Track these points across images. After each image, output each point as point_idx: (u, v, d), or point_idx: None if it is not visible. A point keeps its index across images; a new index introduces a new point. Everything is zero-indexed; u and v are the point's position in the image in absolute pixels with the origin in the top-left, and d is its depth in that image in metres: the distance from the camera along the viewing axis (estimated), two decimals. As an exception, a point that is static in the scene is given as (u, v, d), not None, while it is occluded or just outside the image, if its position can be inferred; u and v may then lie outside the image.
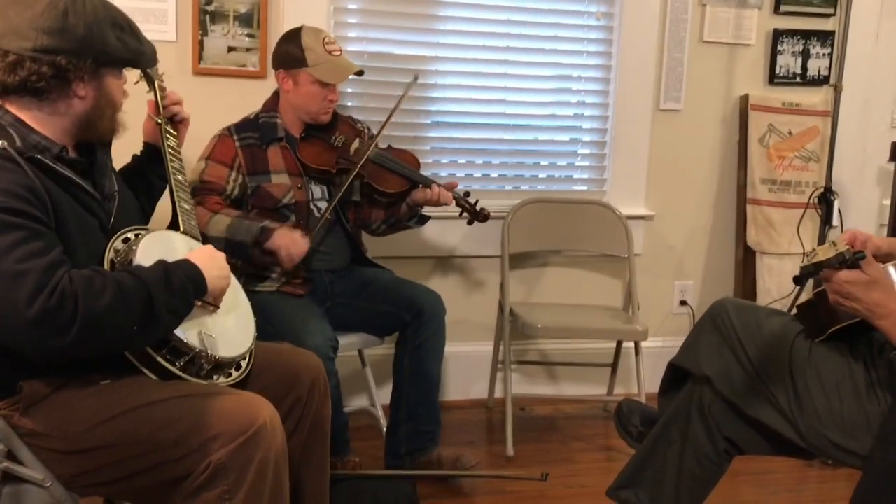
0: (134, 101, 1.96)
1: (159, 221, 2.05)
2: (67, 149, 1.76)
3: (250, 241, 2.60)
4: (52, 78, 1.69)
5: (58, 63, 1.68)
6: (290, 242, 2.61)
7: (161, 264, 1.71)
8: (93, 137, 1.83)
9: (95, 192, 1.81)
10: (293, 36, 2.75)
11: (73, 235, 1.67)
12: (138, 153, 2.21)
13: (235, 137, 2.75)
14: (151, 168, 2.17)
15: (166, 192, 2.13)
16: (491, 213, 2.95)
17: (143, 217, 2.07)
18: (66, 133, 1.77)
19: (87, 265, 1.65)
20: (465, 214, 2.91)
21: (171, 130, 2.13)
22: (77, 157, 1.80)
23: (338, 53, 2.76)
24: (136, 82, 2.08)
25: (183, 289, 1.71)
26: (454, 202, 2.88)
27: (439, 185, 2.84)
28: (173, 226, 2.00)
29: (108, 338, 1.60)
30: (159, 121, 2.10)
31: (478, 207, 2.90)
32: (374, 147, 2.82)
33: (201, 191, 2.69)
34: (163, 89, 2.14)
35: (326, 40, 2.74)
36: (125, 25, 1.80)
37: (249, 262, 2.69)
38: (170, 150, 2.09)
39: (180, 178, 2.07)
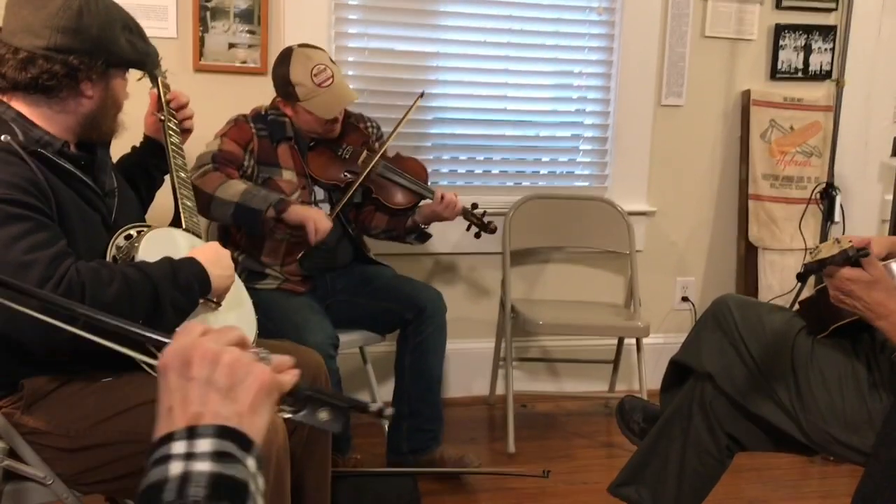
0: (134, 101, 1.96)
1: (160, 218, 2.05)
2: (69, 144, 1.76)
3: (265, 209, 2.52)
4: (63, 77, 1.69)
5: (70, 62, 1.69)
6: (318, 215, 2.56)
7: (167, 261, 1.72)
8: (95, 136, 1.83)
9: (96, 187, 1.81)
10: (282, 64, 2.67)
11: (75, 229, 1.68)
12: (138, 145, 2.21)
13: (252, 125, 2.71)
14: (152, 161, 2.17)
15: (166, 188, 2.13)
16: (492, 212, 2.94)
17: (142, 213, 2.07)
18: (70, 131, 1.78)
19: (88, 259, 1.65)
20: (472, 228, 2.90)
21: (175, 128, 2.12)
22: (78, 152, 1.80)
23: (329, 83, 2.64)
24: (139, 79, 2.08)
25: (188, 285, 1.72)
26: (462, 216, 2.86)
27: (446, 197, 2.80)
28: (175, 223, 2.00)
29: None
30: (162, 118, 2.10)
31: (485, 220, 2.88)
32: (380, 158, 2.80)
33: (219, 159, 2.62)
34: (166, 86, 2.14)
35: (315, 71, 2.62)
36: (134, 27, 1.81)
37: (255, 232, 2.65)
38: (173, 148, 2.08)
39: (183, 175, 2.07)
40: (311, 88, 2.63)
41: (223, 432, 0.79)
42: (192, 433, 0.79)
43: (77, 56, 1.69)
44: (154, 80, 2.11)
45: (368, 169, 2.75)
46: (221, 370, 0.83)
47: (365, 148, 2.83)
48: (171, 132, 2.10)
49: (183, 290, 1.70)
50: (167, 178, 2.14)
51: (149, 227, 1.86)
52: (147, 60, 1.87)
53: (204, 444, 0.78)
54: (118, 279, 1.60)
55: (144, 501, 0.75)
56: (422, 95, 2.91)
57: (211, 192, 2.54)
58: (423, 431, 2.80)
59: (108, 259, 1.74)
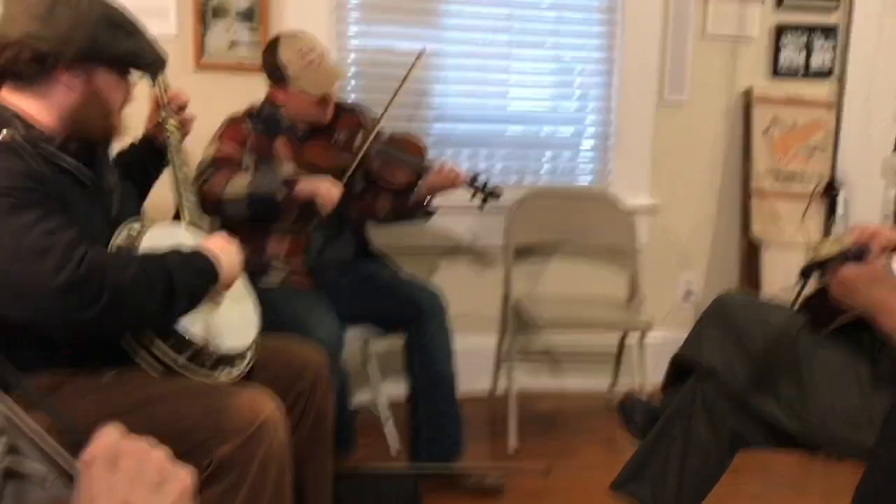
0: (135, 101, 1.95)
1: (162, 216, 2.05)
2: (69, 140, 1.76)
3: (275, 190, 2.54)
4: (30, 62, 1.69)
5: (38, 48, 1.68)
6: (326, 185, 2.57)
7: (177, 251, 1.74)
8: (84, 136, 1.81)
9: (98, 182, 1.81)
10: (271, 50, 2.71)
11: (78, 224, 1.67)
12: (136, 142, 2.20)
13: (246, 122, 2.73)
14: (150, 159, 2.17)
15: (166, 186, 2.12)
16: (495, 208, 2.93)
17: (141, 208, 2.08)
18: (60, 124, 1.76)
19: None
20: (476, 197, 2.88)
21: (175, 125, 2.11)
22: (79, 147, 1.79)
23: (318, 61, 2.69)
24: (140, 76, 2.08)
25: (201, 272, 1.74)
26: (464, 185, 2.84)
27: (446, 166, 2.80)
28: (177, 218, 2.01)
29: (132, 313, 1.63)
30: (162, 116, 2.10)
31: (488, 188, 2.87)
32: (374, 139, 2.79)
33: (217, 164, 2.63)
34: (166, 84, 2.13)
35: (303, 50, 2.68)
36: (124, 25, 1.79)
37: (274, 216, 2.63)
38: (173, 146, 2.08)
39: (185, 171, 2.07)
40: (301, 67, 2.67)
41: None
42: None
43: (46, 43, 1.68)
44: (152, 77, 2.09)
45: (366, 146, 2.75)
46: (151, 466, 0.85)
47: (360, 130, 2.84)
48: (170, 130, 2.09)
49: (195, 274, 1.73)
50: (165, 172, 2.14)
51: (152, 221, 1.87)
52: (137, 61, 1.85)
53: None
54: (135, 263, 1.63)
55: None
56: (422, 53, 2.89)
57: (219, 195, 2.55)
58: (444, 436, 2.77)
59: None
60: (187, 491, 0.87)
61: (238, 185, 2.56)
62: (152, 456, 0.86)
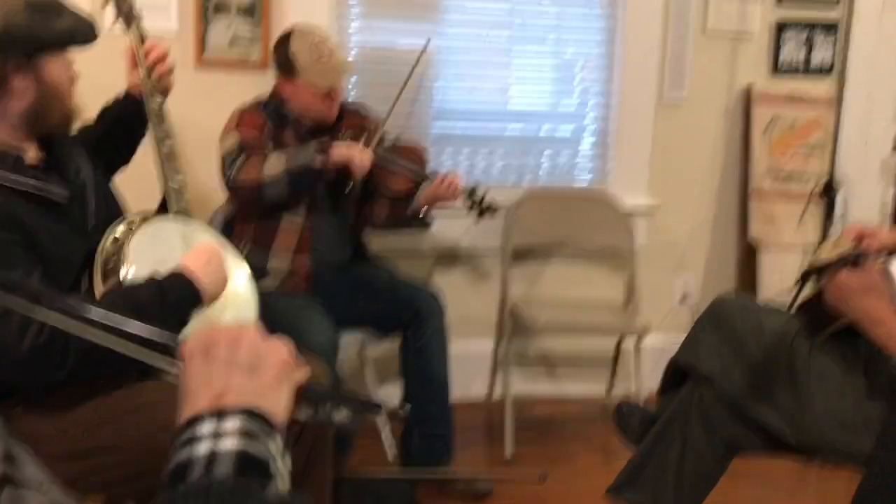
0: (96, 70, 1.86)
1: (144, 199, 1.99)
2: (22, 156, 1.70)
3: (311, 159, 2.54)
4: None
5: None
6: (358, 150, 2.60)
7: (155, 282, 1.67)
8: (46, 131, 1.75)
9: (61, 190, 1.73)
10: (283, 42, 2.72)
11: (44, 250, 1.64)
12: (119, 97, 2.10)
13: (259, 110, 2.72)
14: (134, 114, 2.06)
15: (150, 173, 2.01)
16: (495, 214, 2.91)
17: (119, 201, 1.98)
18: (17, 134, 1.71)
19: (66, 276, 1.64)
20: (472, 210, 2.86)
21: (157, 86, 2.00)
22: (36, 158, 1.74)
23: (328, 54, 2.69)
24: (114, 23, 1.98)
25: (178, 305, 1.68)
26: (462, 197, 2.82)
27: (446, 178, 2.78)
28: (163, 207, 1.92)
29: (104, 366, 1.59)
30: (141, 77, 1.99)
31: (485, 203, 2.84)
32: (378, 141, 2.77)
33: (244, 149, 2.60)
34: (142, 37, 2.02)
35: (315, 42, 2.69)
36: (45, 6, 1.70)
37: (314, 185, 2.64)
38: (156, 114, 1.96)
39: (169, 143, 1.94)
40: (311, 60, 2.67)
41: (249, 413, 0.82)
42: (219, 415, 0.82)
43: None
44: (128, 21, 2.01)
45: (372, 147, 2.71)
46: (243, 349, 0.87)
47: (364, 131, 2.82)
48: (152, 93, 1.98)
49: (173, 310, 1.66)
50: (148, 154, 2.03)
51: (133, 224, 1.79)
52: (75, 37, 1.73)
53: (230, 425, 0.81)
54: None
55: (172, 480, 0.78)
56: (428, 42, 2.90)
57: (257, 178, 2.54)
58: (435, 437, 2.77)
59: (97, 267, 1.71)
60: (285, 364, 0.88)
61: (275, 163, 2.55)
62: (243, 338, 0.87)
